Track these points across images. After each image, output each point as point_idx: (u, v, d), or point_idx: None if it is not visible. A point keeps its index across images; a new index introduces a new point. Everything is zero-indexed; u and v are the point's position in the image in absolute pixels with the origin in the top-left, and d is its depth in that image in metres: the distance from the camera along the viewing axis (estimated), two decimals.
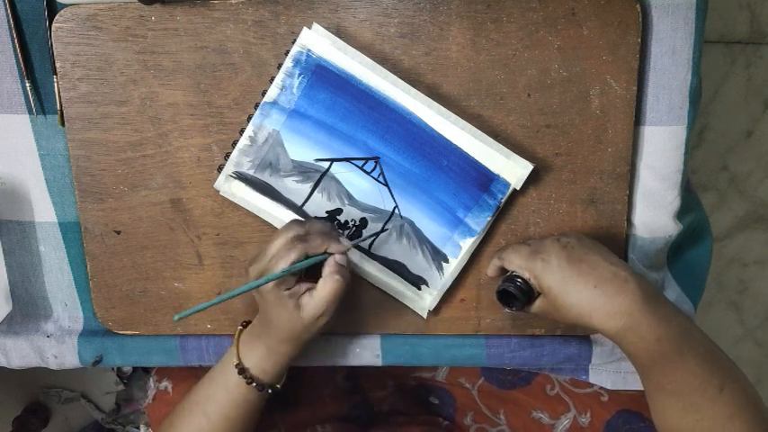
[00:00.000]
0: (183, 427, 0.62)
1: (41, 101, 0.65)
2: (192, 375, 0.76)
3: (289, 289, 0.56)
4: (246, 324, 0.64)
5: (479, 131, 0.61)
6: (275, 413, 0.76)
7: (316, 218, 0.64)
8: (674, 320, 0.54)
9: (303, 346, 0.61)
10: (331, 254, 0.57)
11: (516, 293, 0.59)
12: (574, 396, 0.76)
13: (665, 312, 0.54)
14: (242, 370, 0.60)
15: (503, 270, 0.62)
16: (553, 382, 0.78)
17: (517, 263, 0.60)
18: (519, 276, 0.60)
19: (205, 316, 0.69)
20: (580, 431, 0.75)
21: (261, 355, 0.60)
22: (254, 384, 0.60)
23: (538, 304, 0.60)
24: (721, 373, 0.54)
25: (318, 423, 0.77)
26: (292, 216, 0.64)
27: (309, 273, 0.59)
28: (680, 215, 0.66)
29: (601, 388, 0.75)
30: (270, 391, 0.62)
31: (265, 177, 0.64)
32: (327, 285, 0.56)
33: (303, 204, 0.64)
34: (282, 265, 0.55)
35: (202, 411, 0.61)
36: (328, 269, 0.57)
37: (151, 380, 0.83)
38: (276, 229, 0.65)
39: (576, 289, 0.55)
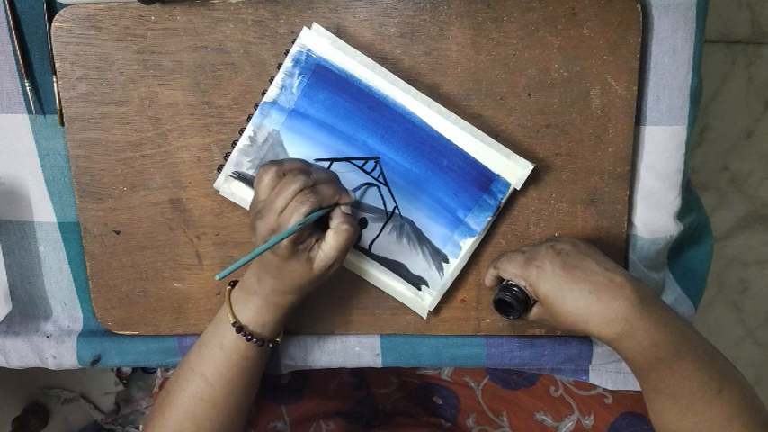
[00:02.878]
0: (180, 394, 0.60)
1: (41, 101, 0.65)
2: None
3: (302, 242, 0.55)
4: (234, 283, 0.63)
5: (479, 131, 0.61)
6: (280, 405, 0.76)
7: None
8: (671, 324, 0.54)
9: (305, 297, 0.60)
10: (337, 204, 0.56)
11: (512, 302, 0.59)
12: (577, 398, 0.76)
13: (661, 316, 0.54)
14: (240, 327, 0.59)
15: (499, 279, 0.62)
16: (557, 383, 0.78)
17: (512, 271, 0.60)
18: (515, 285, 0.59)
19: (205, 316, 0.69)
20: None
21: (258, 309, 0.59)
22: (254, 340, 0.59)
23: (535, 312, 0.60)
24: (719, 375, 0.54)
25: (322, 418, 0.77)
26: None
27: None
28: (680, 215, 0.66)
29: (604, 390, 0.75)
30: (270, 345, 0.61)
31: None
32: (339, 236, 0.55)
33: None
34: (296, 218, 0.53)
35: (200, 375, 0.60)
36: (338, 220, 0.56)
37: (159, 370, 0.82)
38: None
39: (572, 296, 0.55)
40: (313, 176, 0.56)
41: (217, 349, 0.60)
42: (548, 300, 0.57)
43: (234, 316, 0.60)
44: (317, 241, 0.56)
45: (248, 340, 0.59)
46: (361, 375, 0.86)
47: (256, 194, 0.56)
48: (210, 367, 0.60)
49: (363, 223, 0.65)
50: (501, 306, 0.60)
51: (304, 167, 0.57)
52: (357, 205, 0.64)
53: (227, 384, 0.60)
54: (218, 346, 0.60)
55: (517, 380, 0.80)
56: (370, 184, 0.63)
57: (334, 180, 0.57)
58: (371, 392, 0.85)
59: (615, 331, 0.54)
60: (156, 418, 0.61)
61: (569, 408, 0.76)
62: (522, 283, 0.59)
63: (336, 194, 0.56)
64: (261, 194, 0.56)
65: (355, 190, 0.63)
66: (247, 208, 0.65)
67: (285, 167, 0.56)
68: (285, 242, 0.54)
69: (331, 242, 0.56)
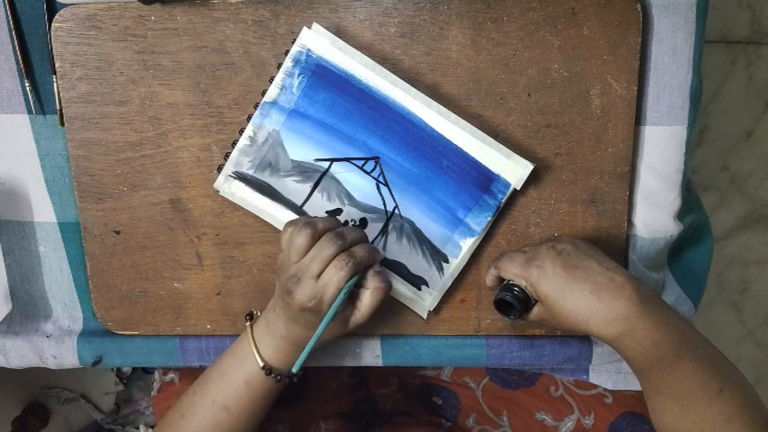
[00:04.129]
0: (197, 420, 0.61)
1: (41, 101, 0.65)
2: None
3: (344, 310, 0.58)
4: (250, 316, 0.64)
5: (479, 131, 0.61)
6: (281, 407, 0.76)
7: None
8: (671, 324, 0.54)
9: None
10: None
11: (513, 302, 0.59)
12: (577, 398, 0.76)
13: (662, 316, 0.54)
14: (270, 370, 0.60)
15: (500, 279, 0.62)
16: (557, 383, 0.78)
17: (513, 271, 0.60)
18: (515, 285, 0.59)
19: (205, 316, 0.69)
20: None
21: (284, 351, 0.60)
22: (280, 378, 0.60)
23: (535, 312, 0.60)
24: (720, 375, 0.54)
25: (322, 419, 0.77)
26: (292, 216, 0.64)
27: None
28: (680, 215, 0.66)
29: (605, 390, 0.75)
30: (295, 378, 0.61)
31: (265, 177, 0.64)
32: (375, 296, 0.58)
33: (303, 204, 0.64)
34: (336, 284, 0.55)
35: (222, 407, 0.61)
36: (373, 281, 0.58)
37: (156, 372, 0.83)
38: (276, 228, 0.65)
39: (573, 296, 0.55)
40: (347, 238, 0.56)
41: (242, 384, 0.61)
42: (548, 300, 0.57)
43: (263, 359, 0.60)
44: (351, 306, 0.58)
45: (277, 380, 0.60)
46: (361, 376, 0.86)
47: (288, 256, 0.57)
48: (234, 400, 0.61)
49: (363, 223, 0.65)
50: (501, 306, 0.60)
51: (338, 228, 0.58)
52: (356, 205, 0.64)
53: (249, 416, 0.61)
54: (244, 382, 0.61)
55: (517, 380, 0.80)
56: (385, 230, 0.64)
57: (366, 240, 0.59)
58: (371, 393, 0.85)
59: (616, 331, 0.54)
60: None
61: (569, 407, 0.76)
62: (523, 283, 0.59)
63: (371, 257, 0.57)
64: (293, 257, 0.56)
65: (375, 238, 0.64)
66: (247, 208, 0.65)
67: (320, 229, 0.57)
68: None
69: (367, 302, 0.58)
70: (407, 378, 0.87)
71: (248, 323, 0.63)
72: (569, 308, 0.55)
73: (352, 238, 0.57)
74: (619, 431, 0.73)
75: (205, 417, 0.61)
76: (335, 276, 0.54)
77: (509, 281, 0.60)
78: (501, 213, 0.65)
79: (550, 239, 0.61)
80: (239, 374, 0.61)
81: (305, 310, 0.56)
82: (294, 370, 0.57)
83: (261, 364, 0.60)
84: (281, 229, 0.65)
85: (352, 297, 0.59)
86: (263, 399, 0.61)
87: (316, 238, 0.56)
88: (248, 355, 0.60)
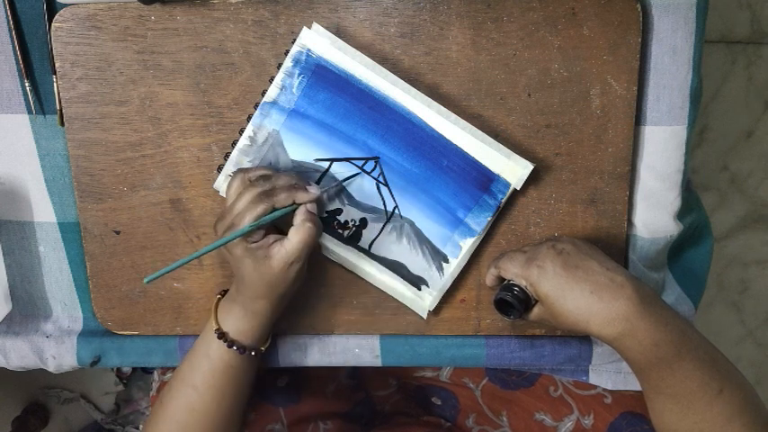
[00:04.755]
0: (172, 403, 0.61)
1: (41, 101, 0.65)
2: None
3: (255, 242, 0.56)
4: (225, 293, 0.64)
5: (479, 131, 0.61)
6: (278, 407, 0.76)
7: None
8: (671, 324, 0.54)
9: (279, 302, 0.60)
10: (301, 203, 0.57)
11: (513, 302, 0.59)
12: (577, 398, 0.76)
13: (662, 316, 0.54)
14: (221, 334, 0.60)
15: (500, 279, 0.62)
16: (556, 383, 0.78)
17: (513, 271, 0.60)
18: (516, 285, 0.59)
19: (205, 316, 0.69)
20: None
21: (238, 316, 0.60)
22: (235, 347, 0.60)
23: (536, 312, 0.60)
24: (720, 375, 0.54)
25: (321, 419, 0.77)
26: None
27: (278, 226, 0.59)
28: (680, 215, 0.66)
29: (604, 390, 0.75)
30: (253, 353, 0.61)
31: None
32: (299, 233, 0.56)
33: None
34: (248, 219, 0.55)
35: (190, 385, 0.61)
36: (299, 217, 0.56)
37: (155, 372, 0.83)
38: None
39: (573, 296, 0.55)
40: (273, 180, 0.57)
41: (204, 358, 0.61)
42: (549, 299, 0.57)
43: (217, 323, 0.61)
44: (276, 240, 0.57)
45: (229, 347, 0.60)
46: (359, 378, 0.85)
47: (226, 201, 0.58)
48: (199, 377, 0.61)
49: (363, 223, 0.65)
50: (502, 306, 0.60)
51: (267, 173, 0.58)
52: (357, 205, 0.64)
53: (216, 393, 0.61)
54: (205, 354, 0.61)
55: (516, 380, 0.80)
56: (354, 175, 0.63)
57: (291, 182, 0.57)
58: (370, 395, 0.85)
59: (616, 331, 0.54)
60: (151, 430, 0.62)
61: (569, 407, 0.76)
62: (523, 283, 0.59)
63: (292, 196, 0.56)
64: (228, 201, 0.58)
65: (346, 180, 0.63)
66: None
67: (250, 174, 0.58)
68: (237, 241, 0.56)
69: (292, 239, 0.56)
70: (406, 380, 0.86)
71: (218, 295, 0.63)
72: (569, 308, 0.55)
73: (278, 181, 0.57)
74: (618, 431, 0.73)
75: (177, 398, 0.61)
76: (249, 211, 0.55)
77: (509, 281, 0.60)
78: (501, 213, 0.65)
79: (551, 239, 0.61)
80: (202, 348, 0.61)
81: (239, 260, 0.57)
82: (146, 280, 0.54)
83: (214, 327, 0.60)
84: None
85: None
86: (227, 374, 0.61)
87: (247, 183, 0.57)
88: (210, 328, 0.61)
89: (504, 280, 0.61)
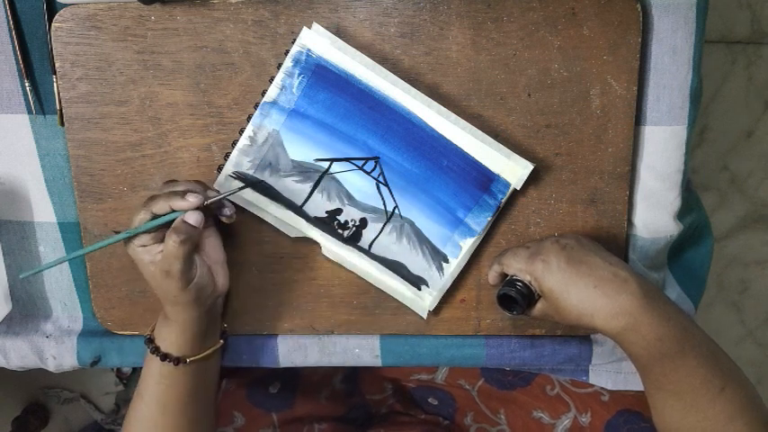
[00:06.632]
0: (129, 415, 0.62)
1: (41, 101, 0.65)
2: None
3: (144, 246, 0.57)
4: None
5: (479, 131, 0.61)
6: (271, 412, 0.76)
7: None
8: (674, 319, 0.54)
9: (194, 309, 0.58)
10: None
11: (517, 297, 0.59)
12: (574, 396, 0.76)
13: (665, 311, 0.54)
14: (149, 340, 0.60)
15: (502, 276, 0.62)
16: (553, 382, 0.78)
17: (517, 266, 0.60)
18: (519, 280, 0.59)
19: None
20: (581, 430, 0.75)
21: (165, 327, 0.60)
22: (158, 355, 0.59)
23: (539, 307, 0.60)
24: (722, 373, 0.54)
25: (315, 421, 0.77)
26: (292, 216, 0.64)
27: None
28: (680, 215, 0.66)
29: (601, 388, 0.75)
30: (177, 363, 0.60)
31: (265, 177, 0.64)
32: (165, 245, 0.55)
33: (303, 204, 0.64)
34: (134, 224, 0.56)
35: (138, 395, 0.61)
36: (170, 229, 0.56)
37: None
38: (276, 228, 0.65)
39: (577, 290, 0.55)
40: (167, 187, 0.58)
41: (146, 369, 0.61)
42: (553, 294, 0.57)
43: (152, 334, 0.61)
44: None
45: (162, 360, 0.59)
46: (353, 382, 0.85)
47: None
48: (143, 386, 0.61)
49: (363, 223, 0.65)
50: (504, 301, 0.60)
51: (174, 180, 0.59)
52: (356, 205, 0.64)
53: (158, 404, 0.60)
54: (147, 365, 0.61)
55: (513, 380, 0.80)
56: (242, 188, 0.62)
57: (177, 189, 0.57)
58: (365, 399, 0.85)
59: (620, 325, 0.54)
60: None
61: (566, 405, 0.76)
62: (527, 278, 0.59)
63: (168, 202, 0.56)
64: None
65: (230, 194, 0.61)
66: (247, 208, 0.65)
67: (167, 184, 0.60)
68: (129, 245, 0.57)
69: (163, 250, 0.56)
70: (401, 383, 0.86)
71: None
72: (573, 302, 0.56)
73: (169, 188, 0.57)
74: (615, 429, 0.73)
75: (131, 410, 0.62)
76: (134, 218, 0.56)
77: (512, 276, 0.60)
78: (501, 213, 0.65)
79: (554, 235, 0.61)
80: (145, 360, 0.61)
81: (138, 265, 0.58)
82: (21, 276, 0.57)
83: (146, 337, 0.60)
84: (282, 229, 0.65)
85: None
86: (163, 384, 0.60)
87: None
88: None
89: (506, 277, 0.61)
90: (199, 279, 0.58)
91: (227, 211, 0.59)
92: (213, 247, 0.60)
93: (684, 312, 0.56)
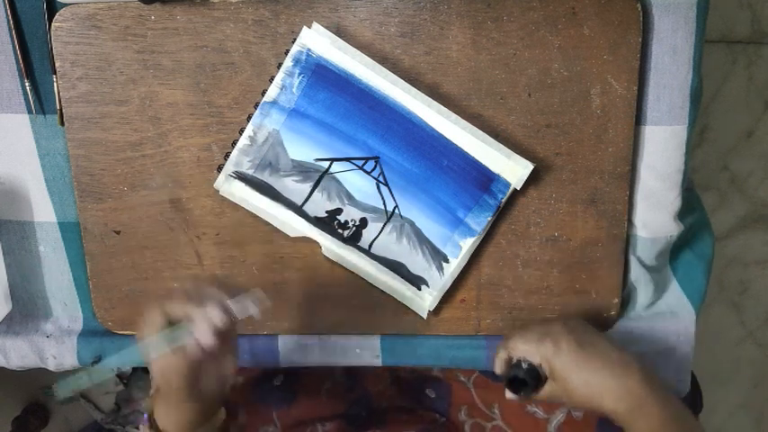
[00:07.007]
0: None
1: (41, 100, 0.65)
2: None
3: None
4: None
5: (480, 131, 0.61)
6: (272, 408, 0.76)
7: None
8: (672, 400, 0.57)
9: (194, 409, 0.56)
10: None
11: (527, 378, 0.59)
12: None
13: (664, 392, 0.57)
14: (150, 422, 0.57)
15: (509, 361, 0.63)
16: None
17: (526, 348, 0.60)
18: (526, 362, 0.60)
19: None
20: (574, 425, 0.75)
21: (160, 405, 0.57)
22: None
23: (547, 389, 0.61)
24: None
25: (319, 422, 0.77)
26: (292, 216, 0.64)
27: None
28: (681, 215, 0.66)
29: None
30: None
31: (265, 177, 0.64)
32: (168, 359, 0.52)
33: (303, 204, 0.64)
34: (148, 324, 0.52)
35: None
36: (177, 346, 0.52)
37: None
38: (276, 228, 0.65)
39: (587, 371, 0.57)
40: (187, 295, 0.53)
41: None
42: (563, 375, 0.58)
43: (150, 408, 0.58)
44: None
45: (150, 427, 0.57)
46: (353, 375, 0.85)
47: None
48: None
49: (363, 223, 0.65)
50: (514, 384, 0.61)
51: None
52: (357, 205, 0.64)
53: None
54: None
55: None
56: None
57: (214, 299, 0.52)
58: (366, 392, 0.85)
59: (629, 406, 0.56)
60: None
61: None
62: (537, 360, 0.59)
63: (182, 311, 0.52)
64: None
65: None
66: (247, 208, 0.65)
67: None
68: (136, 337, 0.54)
69: (166, 362, 0.53)
70: (400, 372, 0.87)
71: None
72: (583, 383, 0.57)
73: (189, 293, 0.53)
74: (609, 423, 0.73)
75: None
76: (148, 317, 0.52)
77: (519, 359, 0.61)
78: (501, 213, 0.64)
79: (559, 318, 0.62)
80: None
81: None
82: (58, 394, 0.53)
83: (145, 412, 0.58)
84: (282, 229, 0.65)
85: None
86: None
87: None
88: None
89: (512, 361, 0.62)
90: (204, 389, 0.54)
91: (252, 311, 0.54)
92: (228, 360, 0.56)
93: (676, 396, 0.59)
